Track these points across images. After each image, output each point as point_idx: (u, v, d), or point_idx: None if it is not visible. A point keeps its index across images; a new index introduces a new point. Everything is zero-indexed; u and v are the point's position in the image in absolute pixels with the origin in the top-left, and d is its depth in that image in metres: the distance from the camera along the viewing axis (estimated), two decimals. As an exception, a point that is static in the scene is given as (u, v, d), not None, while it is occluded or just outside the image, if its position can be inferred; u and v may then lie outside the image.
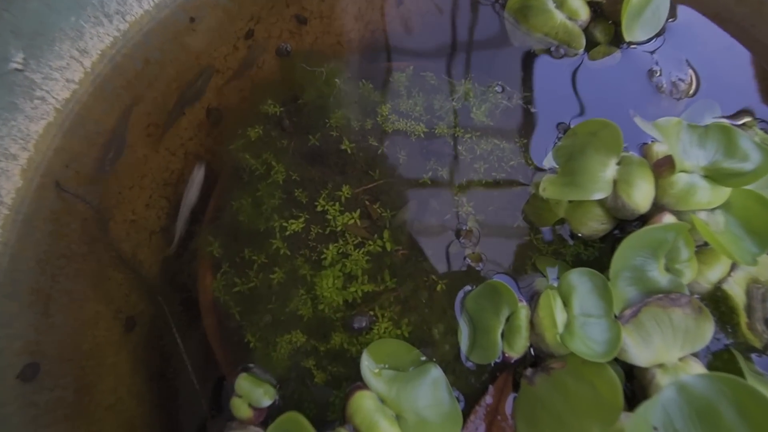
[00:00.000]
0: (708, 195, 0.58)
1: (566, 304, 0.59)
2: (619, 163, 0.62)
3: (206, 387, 0.65)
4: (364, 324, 0.63)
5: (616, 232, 0.66)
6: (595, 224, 0.64)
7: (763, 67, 0.76)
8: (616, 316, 0.57)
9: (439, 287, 0.65)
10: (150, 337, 0.69)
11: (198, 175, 0.73)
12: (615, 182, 0.61)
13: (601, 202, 0.62)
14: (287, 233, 0.68)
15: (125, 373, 0.67)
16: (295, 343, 0.63)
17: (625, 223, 0.66)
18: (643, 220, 0.63)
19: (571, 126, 0.71)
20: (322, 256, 0.67)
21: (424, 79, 0.77)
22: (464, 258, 0.67)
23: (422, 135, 0.73)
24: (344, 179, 0.71)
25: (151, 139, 0.77)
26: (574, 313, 0.58)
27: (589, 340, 0.55)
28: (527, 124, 0.74)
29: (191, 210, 0.72)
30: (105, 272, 0.71)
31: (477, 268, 0.66)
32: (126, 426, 0.66)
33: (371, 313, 0.64)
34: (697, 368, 0.55)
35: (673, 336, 0.55)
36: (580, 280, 0.58)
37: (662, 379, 0.54)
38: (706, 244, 0.61)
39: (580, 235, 0.66)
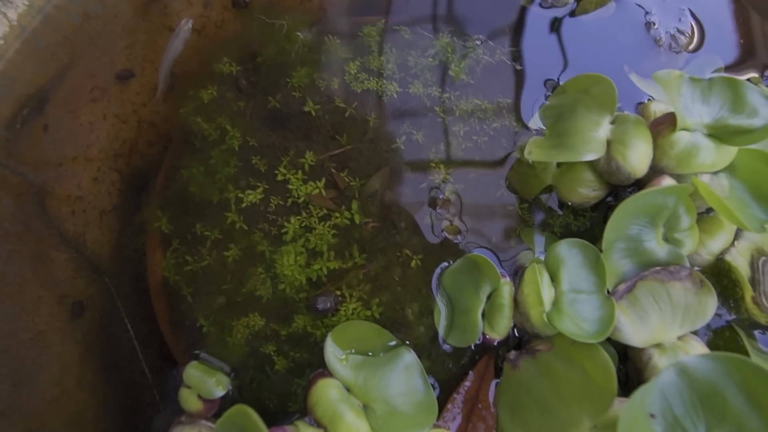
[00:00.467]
0: (712, 156, 0.55)
1: (554, 279, 0.56)
2: (613, 122, 0.59)
3: (159, 376, 0.62)
4: (329, 305, 0.60)
5: (609, 199, 0.64)
6: (586, 191, 0.61)
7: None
8: (608, 292, 0.55)
9: (413, 263, 0.62)
10: (102, 323, 0.65)
11: (185, 26, 0.71)
12: (608, 143, 0.58)
13: (592, 166, 0.60)
14: (243, 205, 0.64)
15: (73, 363, 0.64)
16: (253, 327, 0.60)
17: (619, 190, 0.63)
18: (640, 186, 0.60)
19: (560, 83, 0.69)
20: (283, 231, 0.63)
21: (397, 33, 0.73)
22: (441, 230, 0.64)
23: (395, 95, 0.70)
24: (308, 145, 0.67)
25: (97, 104, 0.71)
26: (562, 289, 0.55)
27: (579, 318, 0.53)
28: (512, 81, 0.71)
29: (174, 61, 0.72)
30: (47, 253, 0.66)
31: (455, 242, 0.63)
32: (74, 420, 0.62)
33: (338, 292, 0.61)
34: (698, 348, 0.53)
35: (671, 313, 0.53)
36: (569, 252, 0.56)
37: (660, 360, 0.52)
38: (707, 211, 0.59)
39: (569, 203, 0.64)
